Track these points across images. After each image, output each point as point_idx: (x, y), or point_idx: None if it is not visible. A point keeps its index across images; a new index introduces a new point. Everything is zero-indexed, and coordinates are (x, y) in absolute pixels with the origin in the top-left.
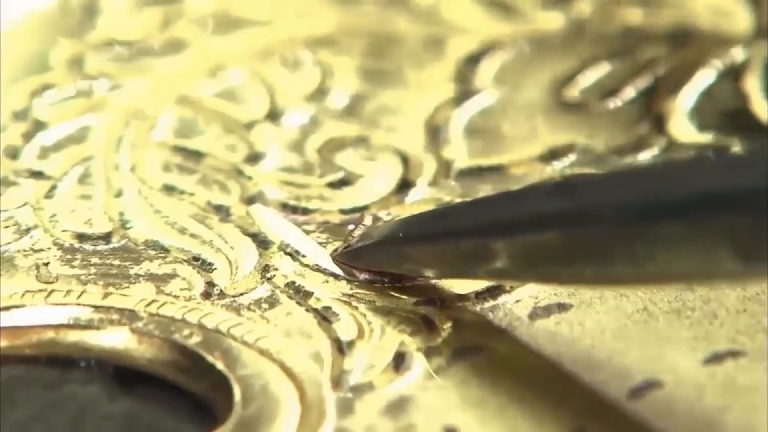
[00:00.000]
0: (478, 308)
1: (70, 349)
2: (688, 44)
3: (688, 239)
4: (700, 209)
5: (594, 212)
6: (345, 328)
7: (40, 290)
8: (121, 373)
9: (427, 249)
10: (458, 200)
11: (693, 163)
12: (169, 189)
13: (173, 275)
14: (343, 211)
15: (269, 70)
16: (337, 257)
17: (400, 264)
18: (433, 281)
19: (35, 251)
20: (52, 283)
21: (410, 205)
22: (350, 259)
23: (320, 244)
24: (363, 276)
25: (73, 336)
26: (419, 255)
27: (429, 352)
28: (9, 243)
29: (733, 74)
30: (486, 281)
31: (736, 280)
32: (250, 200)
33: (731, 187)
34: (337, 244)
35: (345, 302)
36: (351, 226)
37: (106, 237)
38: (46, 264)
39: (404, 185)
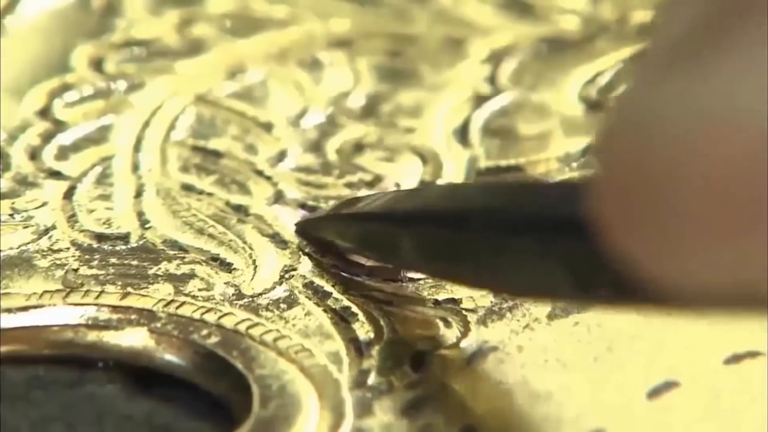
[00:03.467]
0: (497, 308)
1: (88, 349)
2: None
3: (532, 257)
4: (547, 231)
5: (479, 216)
6: (363, 329)
7: (59, 290)
8: (140, 374)
9: (354, 229)
10: None
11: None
12: (187, 189)
13: (192, 275)
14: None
15: (288, 71)
16: (296, 225)
17: (340, 239)
18: (450, 283)
19: (54, 251)
20: (77, 288)
21: None
22: (303, 228)
23: None
24: (310, 249)
25: (91, 336)
26: (347, 233)
27: (447, 353)
28: (27, 243)
29: None
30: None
31: (576, 303)
32: (269, 201)
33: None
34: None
35: (363, 302)
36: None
37: (125, 237)
38: (76, 270)
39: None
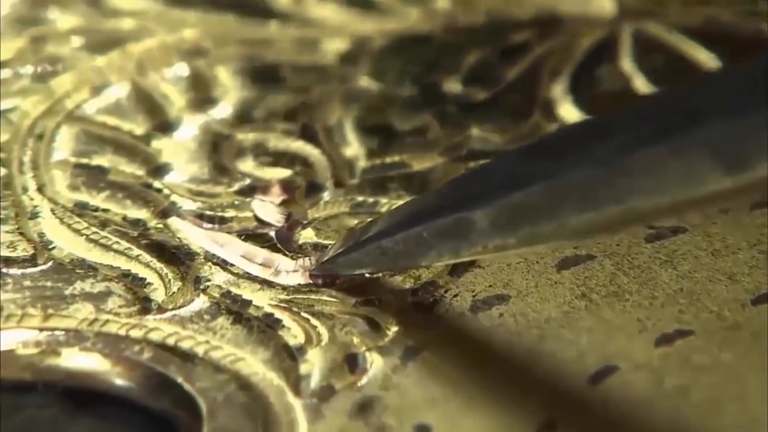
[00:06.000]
0: (417, 305)
1: (23, 373)
2: (556, 29)
3: (667, 161)
4: (674, 129)
5: (572, 161)
6: (291, 334)
7: None
8: (75, 394)
9: (403, 237)
10: (371, 199)
11: (655, 97)
12: (81, 206)
13: (109, 293)
14: (258, 218)
15: (152, 83)
16: (314, 271)
17: (378, 261)
18: (371, 279)
19: None
20: None
21: (324, 206)
22: (328, 269)
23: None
24: (319, 281)
25: (25, 360)
26: (395, 246)
27: (381, 352)
28: None
29: (610, 57)
30: (427, 272)
31: (724, 195)
32: (164, 213)
33: (701, 101)
34: (260, 251)
35: (285, 308)
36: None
37: (32, 259)
38: None
39: (313, 188)
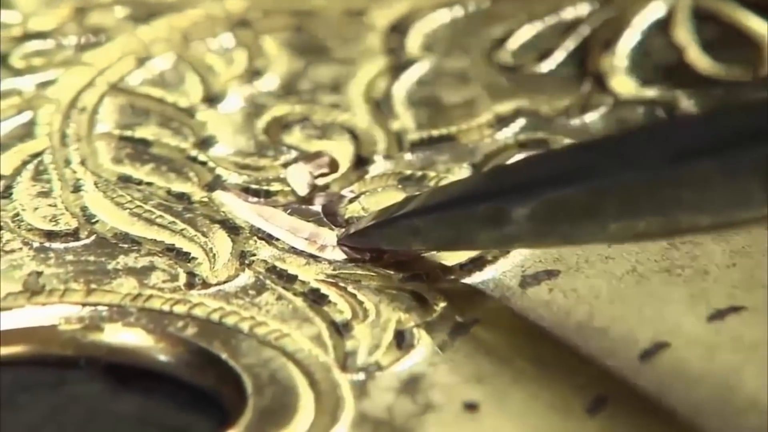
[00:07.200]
0: (465, 281)
1: (65, 348)
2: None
3: (716, 178)
4: (726, 148)
5: (619, 164)
6: (338, 310)
7: (22, 292)
8: (118, 370)
9: (437, 218)
10: (419, 173)
11: (716, 111)
12: (125, 180)
13: (152, 267)
14: (289, 183)
15: (197, 54)
16: (343, 240)
17: (408, 239)
18: (418, 255)
19: (6, 252)
20: (40, 288)
21: (371, 180)
22: (357, 240)
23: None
24: (366, 257)
25: (67, 335)
26: (429, 226)
27: (429, 328)
28: None
29: (663, 28)
30: (472, 252)
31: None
32: (209, 186)
33: (759, 124)
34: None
35: (331, 283)
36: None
37: (74, 233)
38: (39, 273)
39: (360, 161)
